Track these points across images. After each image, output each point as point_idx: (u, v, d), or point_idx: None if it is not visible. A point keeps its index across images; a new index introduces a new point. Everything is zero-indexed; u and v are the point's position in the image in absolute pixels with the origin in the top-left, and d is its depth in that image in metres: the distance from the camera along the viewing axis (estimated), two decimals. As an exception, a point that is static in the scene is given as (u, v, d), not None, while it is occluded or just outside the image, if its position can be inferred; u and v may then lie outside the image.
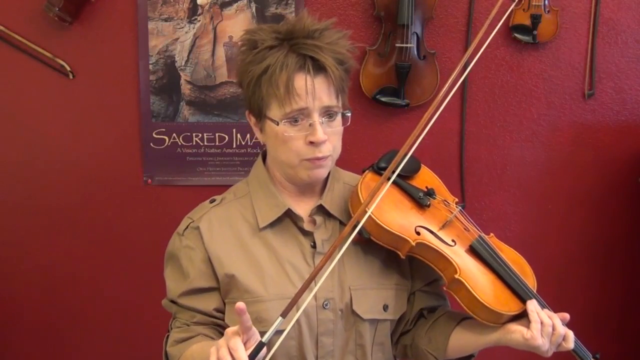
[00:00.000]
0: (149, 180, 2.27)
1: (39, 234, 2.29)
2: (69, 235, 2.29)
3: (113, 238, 2.30)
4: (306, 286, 1.14)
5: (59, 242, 2.30)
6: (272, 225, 1.34)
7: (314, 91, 1.24)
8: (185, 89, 2.22)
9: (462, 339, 1.35)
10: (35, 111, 2.22)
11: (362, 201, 1.27)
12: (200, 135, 2.24)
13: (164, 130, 2.24)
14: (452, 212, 1.36)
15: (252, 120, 1.35)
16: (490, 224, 2.35)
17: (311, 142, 1.25)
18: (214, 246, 1.32)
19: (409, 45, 2.12)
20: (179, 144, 2.25)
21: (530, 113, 2.29)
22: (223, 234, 1.34)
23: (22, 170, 2.25)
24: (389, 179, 1.27)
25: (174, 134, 2.24)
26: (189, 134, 2.25)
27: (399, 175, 1.32)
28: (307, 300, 1.16)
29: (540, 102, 2.28)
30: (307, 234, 1.34)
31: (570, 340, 1.28)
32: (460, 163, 2.30)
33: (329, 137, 1.27)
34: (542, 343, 1.23)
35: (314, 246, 1.33)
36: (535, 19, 2.16)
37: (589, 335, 2.43)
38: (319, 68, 1.25)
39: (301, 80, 1.24)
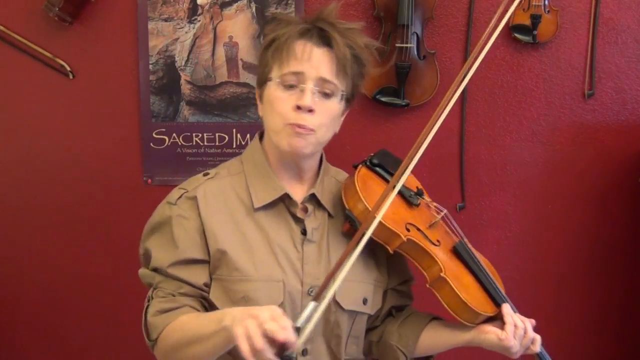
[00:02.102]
0: (149, 180, 2.27)
1: (38, 233, 2.29)
2: (68, 235, 2.29)
3: (113, 238, 2.30)
4: (321, 289, 1.16)
5: (58, 242, 2.30)
6: (266, 207, 1.34)
7: (311, 58, 1.26)
8: (185, 89, 2.22)
9: (434, 337, 1.39)
10: (35, 111, 2.22)
11: (359, 191, 1.30)
12: (200, 135, 2.24)
13: (164, 130, 2.24)
14: (438, 214, 1.40)
15: (257, 95, 1.36)
16: (490, 224, 2.35)
17: (298, 107, 1.25)
18: (210, 219, 1.31)
19: (409, 45, 2.12)
20: (179, 144, 2.25)
21: (530, 113, 2.29)
22: (218, 208, 1.32)
23: (22, 170, 2.25)
24: (394, 186, 1.28)
25: (174, 134, 2.24)
26: (189, 134, 2.25)
27: (391, 174, 1.35)
28: (325, 300, 1.14)
29: (540, 102, 2.28)
30: (298, 220, 1.35)
31: (538, 344, 1.34)
32: (460, 163, 2.30)
33: (318, 111, 1.26)
34: (514, 344, 1.29)
35: (304, 233, 1.34)
36: (535, 19, 2.16)
37: (589, 335, 2.44)
38: (324, 40, 1.27)
39: (300, 45, 1.26)
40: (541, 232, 2.37)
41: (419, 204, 1.39)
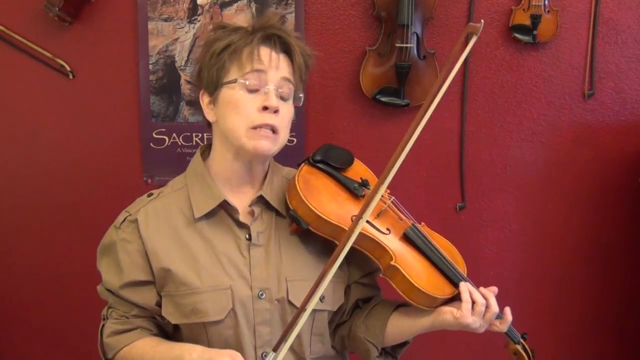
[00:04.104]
0: (149, 180, 2.27)
1: (38, 234, 2.29)
2: (68, 235, 2.29)
3: (113, 238, 2.30)
4: (307, 300, 1.19)
5: (58, 242, 2.30)
6: (207, 216, 1.35)
7: (273, 62, 1.29)
8: (185, 89, 2.22)
9: (398, 326, 1.41)
10: (35, 111, 2.22)
11: (299, 191, 1.32)
12: (200, 135, 2.24)
13: (164, 130, 2.24)
14: (385, 202, 1.41)
15: (204, 100, 1.37)
16: (490, 224, 2.35)
17: (264, 108, 1.27)
18: (151, 240, 1.34)
19: (409, 45, 2.12)
20: (179, 144, 2.25)
21: (530, 113, 2.29)
22: (159, 227, 1.35)
23: (22, 170, 2.25)
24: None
25: (174, 134, 2.24)
26: (189, 134, 2.25)
27: (334, 167, 1.39)
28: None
29: (540, 102, 2.28)
30: (242, 226, 1.36)
31: (508, 322, 1.35)
32: (460, 163, 2.30)
33: (281, 112, 1.30)
34: (473, 321, 1.29)
35: (249, 238, 1.35)
36: (535, 19, 2.16)
37: (589, 335, 2.44)
38: (284, 47, 1.31)
39: (266, 51, 1.29)
40: (541, 232, 2.37)
41: (364, 194, 1.39)
